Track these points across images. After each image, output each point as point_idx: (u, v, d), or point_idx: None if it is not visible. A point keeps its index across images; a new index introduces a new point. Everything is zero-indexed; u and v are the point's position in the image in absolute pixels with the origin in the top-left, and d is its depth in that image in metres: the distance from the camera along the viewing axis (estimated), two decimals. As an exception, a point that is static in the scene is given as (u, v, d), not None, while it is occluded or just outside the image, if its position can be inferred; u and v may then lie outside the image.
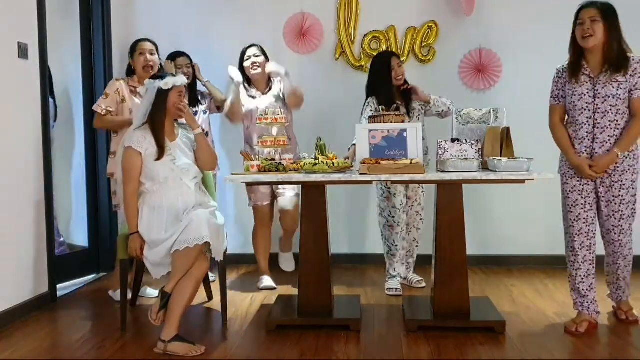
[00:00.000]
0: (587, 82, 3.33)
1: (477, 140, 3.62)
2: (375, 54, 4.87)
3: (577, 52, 3.35)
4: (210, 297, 4.11)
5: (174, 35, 4.92)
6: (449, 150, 3.54)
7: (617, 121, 3.28)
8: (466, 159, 3.49)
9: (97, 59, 4.80)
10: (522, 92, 4.79)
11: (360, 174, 3.36)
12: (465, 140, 3.60)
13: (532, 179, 3.33)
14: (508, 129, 3.65)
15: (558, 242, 4.80)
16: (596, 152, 3.33)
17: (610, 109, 3.29)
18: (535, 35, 4.80)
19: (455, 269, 3.47)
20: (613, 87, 3.27)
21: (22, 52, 3.67)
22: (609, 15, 3.26)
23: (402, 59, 4.85)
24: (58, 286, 4.10)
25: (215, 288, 3.94)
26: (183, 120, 3.49)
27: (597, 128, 3.31)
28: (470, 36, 4.97)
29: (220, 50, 4.98)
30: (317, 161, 3.47)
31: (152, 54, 4.07)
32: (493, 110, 3.75)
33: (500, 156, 3.57)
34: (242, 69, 4.35)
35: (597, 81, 3.29)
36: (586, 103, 3.32)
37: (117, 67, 4.86)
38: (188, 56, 4.54)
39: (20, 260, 3.70)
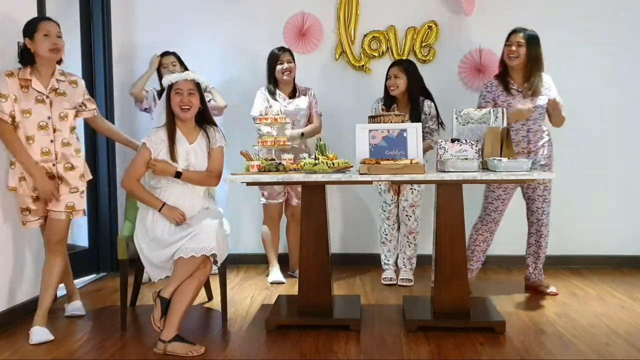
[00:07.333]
0: (518, 94, 4.09)
1: (477, 141, 3.66)
2: (375, 54, 5.01)
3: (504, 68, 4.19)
4: (210, 297, 4.17)
5: (175, 36, 4.98)
6: (449, 150, 3.56)
7: (542, 126, 4.11)
8: (466, 159, 3.53)
9: (97, 59, 4.86)
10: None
11: (360, 174, 3.39)
12: (465, 140, 3.63)
13: (533, 180, 3.36)
14: (508, 129, 3.69)
15: (559, 242, 4.86)
16: (532, 151, 4.07)
17: (539, 116, 4.09)
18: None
19: (455, 269, 3.51)
20: (540, 100, 4.07)
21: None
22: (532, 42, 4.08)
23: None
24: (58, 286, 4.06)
25: (215, 288, 3.96)
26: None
27: (530, 132, 4.07)
28: (471, 36, 5.00)
29: (220, 50, 5.05)
30: (317, 161, 3.49)
31: (58, 36, 3.40)
32: (493, 111, 3.78)
33: (500, 156, 3.59)
34: (271, 70, 4.49)
35: (526, 94, 4.08)
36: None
37: (117, 69, 4.93)
38: (175, 54, 4.61)
39: (21, 260, 3.70)
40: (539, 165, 4.05)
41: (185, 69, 4.53)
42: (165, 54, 4.61)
